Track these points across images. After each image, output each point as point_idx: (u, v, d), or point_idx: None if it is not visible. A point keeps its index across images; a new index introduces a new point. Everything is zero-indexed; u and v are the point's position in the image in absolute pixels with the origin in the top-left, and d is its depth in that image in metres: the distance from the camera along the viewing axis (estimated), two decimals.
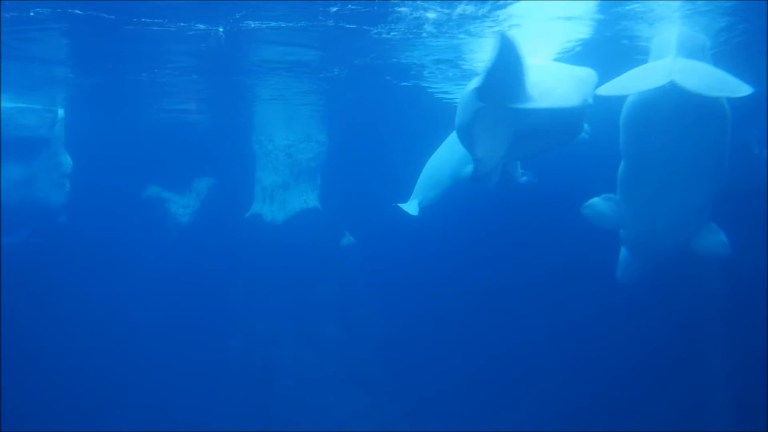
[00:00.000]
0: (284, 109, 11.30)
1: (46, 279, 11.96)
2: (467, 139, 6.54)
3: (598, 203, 7.34)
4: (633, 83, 6.21)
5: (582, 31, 7.43)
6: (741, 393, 9.93)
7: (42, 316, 11.91)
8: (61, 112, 11.58)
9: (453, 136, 9.41)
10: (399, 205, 9.32)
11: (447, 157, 9.29)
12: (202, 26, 7.37)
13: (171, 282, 12.08)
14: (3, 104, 10.83)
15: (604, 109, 6.73)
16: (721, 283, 10.07)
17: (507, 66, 5.80)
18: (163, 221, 12.54)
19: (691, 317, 10.39)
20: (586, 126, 7.74)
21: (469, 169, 8.93)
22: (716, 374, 10.27)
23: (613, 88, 6.34)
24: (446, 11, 6.91)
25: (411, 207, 9.31)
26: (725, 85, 5.83)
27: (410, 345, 11.71)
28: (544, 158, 7.05)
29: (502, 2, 6.63)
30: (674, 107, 6.54)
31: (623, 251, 7.85)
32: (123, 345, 11.95)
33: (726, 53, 7.65)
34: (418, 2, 6.74)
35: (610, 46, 7.64)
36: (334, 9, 6.79)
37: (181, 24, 7.32)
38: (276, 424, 11.85)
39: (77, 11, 6.93)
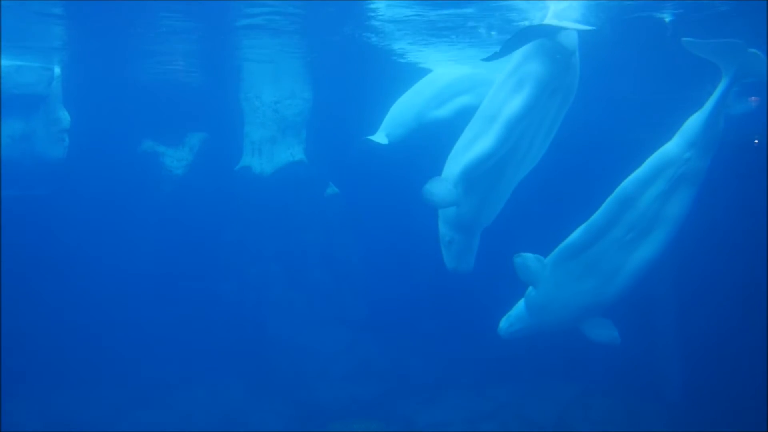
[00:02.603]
0: (271, 68, 11.19)
1: (46, 230, 11.94)
2: None
3: (530, 259, 7.35)
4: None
5: None
6: (741, 393, 10.02)
7: (42, 265, 11.92)
8: (57, 70, 11.35)
9: (422, 83, 9.41)
10: (369, 137, 9.27)
11: (413, 100, 9.31)
12: None
13: (167, 231, 12.12)
14: (1, 62, 10.60)
15: None
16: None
17: None
18: (158, 174, 12.49)
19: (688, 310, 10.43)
20: None
21: (433, 114, 9.01)
22: (716, 374, 10.33)
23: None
24: None
25: (380, 137, 9.28)
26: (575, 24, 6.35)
27: (389, 286, 11.84)
28: None
29: None
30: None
31: (521, 306, 7.78)
32: (120, 290, 11.99)
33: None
34: None
35: None
36: None
37: None
38: (266, 361, 12.06)
39: None
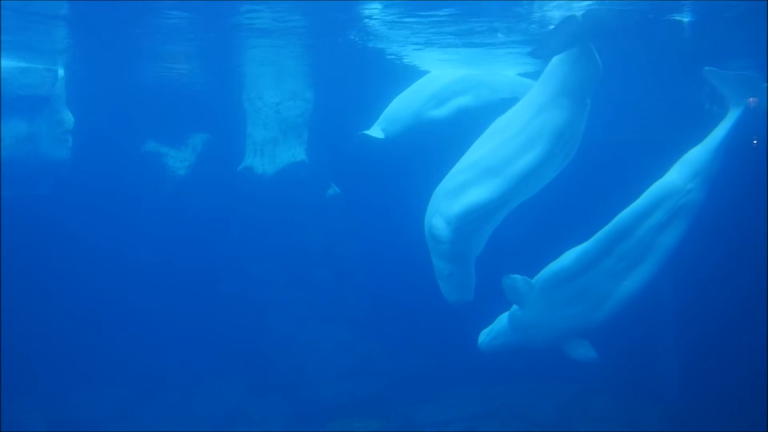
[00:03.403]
0: (273, 69, 11.23)
1: (50, 229, 11.98)
2: None
3: (518, 280, 7.29)
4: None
5: None
6: (740, 392, 9.99)
7: (45, 264, 11.97)
8: (61, 71, 11.38)
9: (422, 82, 9.40)
10: (365, 132, 9.21)
11: (413, 98, 9.29)
12: None
13: (169, 230, 12.15)
14: (5, 63, 10.62)
15: None
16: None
17: None
18: (161, 174, 12.50)
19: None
20: None
21: (431, 113, 8.98)
22: (715, 373, 10.33)
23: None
24: None
25: (376, 132, 9.19)
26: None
27: (390, 284, 11.84)
28: None
29: None
30: None
31: (503, 322, 7.77)
32: (123, 290, 12.04)
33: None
34: None
35: None
36: None
37: None
38: (268, 359, 12.09)
39: None
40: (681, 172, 7.04)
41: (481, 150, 6.81)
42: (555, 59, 6.51)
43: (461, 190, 6.79)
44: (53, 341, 11.78)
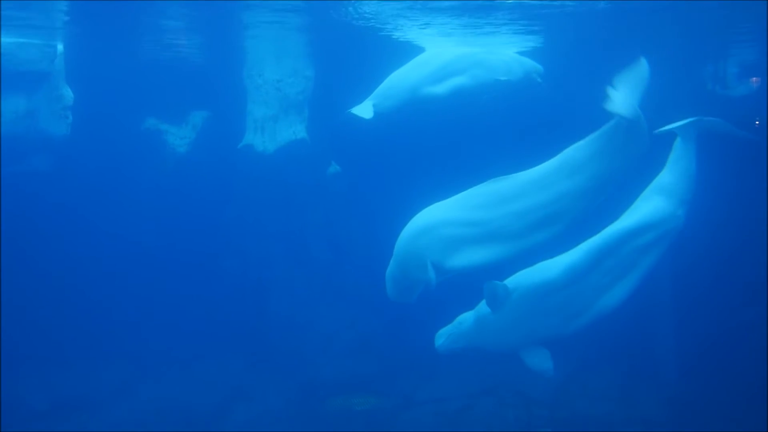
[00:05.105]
0: (273, 46, 11.17)
1: (49, 206, 11.99)
2: None
3: (499, 287, 7.17)
4: None
5: None
6: (738, 375, 10.02)
7: (44, 241, 11.99)
8: (60, 46, 11.35)
9: (419, 59, 9.36)
10: (352, 110, 9.09)
11: (411, 73, 9.25)
12: None
13: (170, 208, 12.15)
14: (3, 39, 10.59)
15: None
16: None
17: None
18: (161, 151, 12.47)
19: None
20: None
21: (427, 90, 8.97)
22: (715, 357, 10.33)
23: None
24: None
25: (365, 110, 9.07)
26: None
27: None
28: None
29: None
30: None
31: (466, 324, 7.65)
32: (123, 267, 12.05)
33: None
34: None
35: None
36: None
37: None
38: (269, 337, 12.14)
39: None
40: (671, 200, 7.17)
41: (489, 211, 6.78)
42: (584, 156, 6.53)
43: (460, 245, 6.77)
44: (54, 318, 11.85)
